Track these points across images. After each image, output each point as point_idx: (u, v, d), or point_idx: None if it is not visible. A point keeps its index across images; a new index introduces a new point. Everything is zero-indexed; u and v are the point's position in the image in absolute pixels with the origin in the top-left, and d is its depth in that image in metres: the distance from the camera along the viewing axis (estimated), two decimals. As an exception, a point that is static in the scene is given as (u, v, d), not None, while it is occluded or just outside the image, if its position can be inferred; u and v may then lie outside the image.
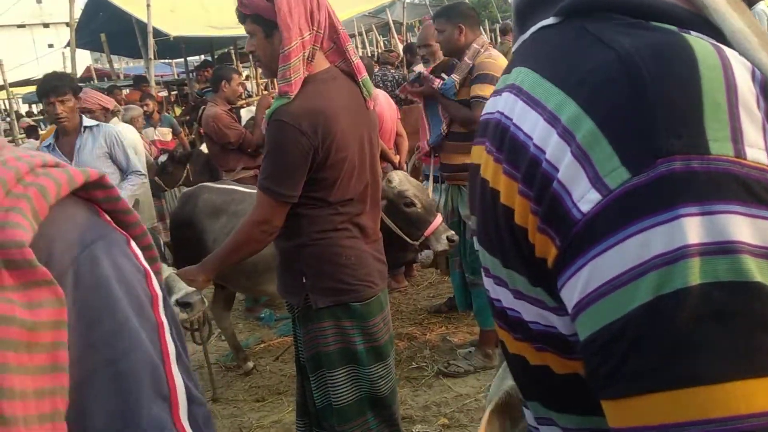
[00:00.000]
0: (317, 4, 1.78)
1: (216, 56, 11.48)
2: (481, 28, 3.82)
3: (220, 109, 4.30)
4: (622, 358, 0.42)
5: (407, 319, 4.19)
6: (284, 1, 1.74)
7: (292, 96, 1.77)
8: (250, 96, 8.85)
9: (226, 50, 12.21)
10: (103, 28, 10.49)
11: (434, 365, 3.50)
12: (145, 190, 4.53)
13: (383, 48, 12.86)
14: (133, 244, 0.62)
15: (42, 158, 0.59)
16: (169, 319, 0.61)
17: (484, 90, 3.10)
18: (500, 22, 14.41)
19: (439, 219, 2.90)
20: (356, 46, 9.99)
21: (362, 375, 2.01)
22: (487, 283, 0.59)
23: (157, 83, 9.87)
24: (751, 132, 0.41)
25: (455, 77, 3.24)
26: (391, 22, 14.52)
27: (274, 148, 1.81)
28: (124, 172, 3.84)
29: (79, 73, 11.29)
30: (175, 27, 9.34)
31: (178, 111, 9.49)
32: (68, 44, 9.89)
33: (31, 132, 9.58)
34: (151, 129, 6.37)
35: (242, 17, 1.86)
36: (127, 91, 9.26)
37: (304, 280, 1.93)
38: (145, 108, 6.27)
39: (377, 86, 4.60)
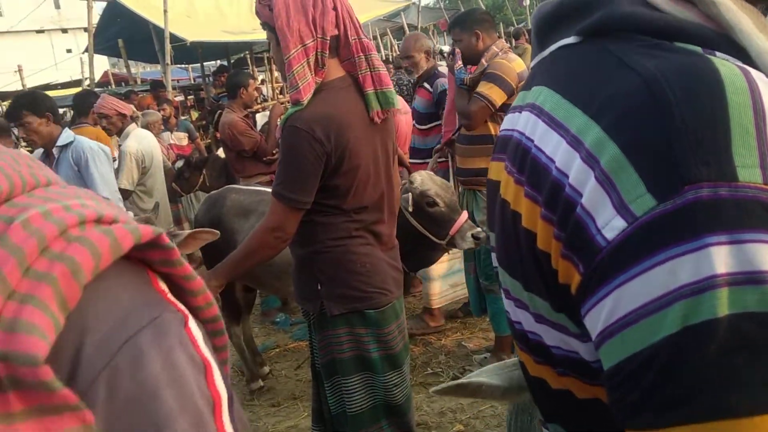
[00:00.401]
0: (321, 11, 1.75)
1: (232, 61, 11.55)
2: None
3: (237, 115, 4.32)
4: (649, 388, 0.41)
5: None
6: (282, 9, 1.74)
7: (304, 102, 1.77)
8: (265, 100, 8.90)
9: (242, 55, 12.29)
10: (121, 33, 10.61)
11: (449, 371, 3.49)
12: (162, 195, 4.57)
13: (397, 52, 12.87)
14: (191, 323, 0.47)
15: (97, 210, 0.45)
16: (236, 425, 0.47)
17: (487, 88, 3.11)
18: (515, 25, 14.36)
19: (464, 216, 2.86)
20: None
21: (377, 383, 2.00)
22: (507, 305, 0.58)
23: (174, 88, 9.95)
24: None
25: (469, 69, 3.25)
26: (405, 25, 14.54)
27: (287, 153, 1.81)
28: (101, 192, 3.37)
29: (97, 78, 11.40)
30: (192, 33, 9.42)
31: (195, 115, 9.56)
32: (86, 50, 10.01)
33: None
34: (167, 133, 6.43)
35: (261, 25, 1.88)
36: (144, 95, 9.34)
37: (319, 287, 1.93)
38: (162, 113, 6.33)
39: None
